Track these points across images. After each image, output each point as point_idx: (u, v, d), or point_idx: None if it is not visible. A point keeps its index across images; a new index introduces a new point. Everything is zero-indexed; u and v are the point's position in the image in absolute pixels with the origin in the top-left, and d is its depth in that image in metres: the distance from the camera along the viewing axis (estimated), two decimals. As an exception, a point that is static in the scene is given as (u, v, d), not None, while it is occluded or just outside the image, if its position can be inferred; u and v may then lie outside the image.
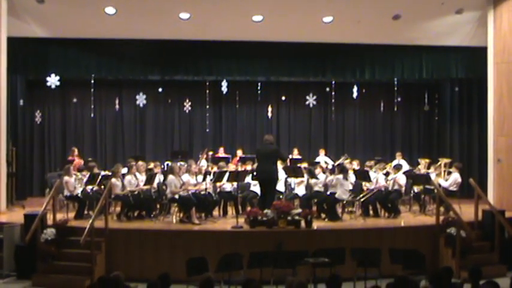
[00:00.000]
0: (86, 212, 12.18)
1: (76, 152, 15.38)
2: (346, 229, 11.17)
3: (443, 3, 13.62)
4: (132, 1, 13.26)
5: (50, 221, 10.83)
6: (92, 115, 17.00)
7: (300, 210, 11.10)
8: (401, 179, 12.66)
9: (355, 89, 16.62)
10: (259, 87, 17.41)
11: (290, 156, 15.42)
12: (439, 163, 14.65)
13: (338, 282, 6.29)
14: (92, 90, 16.26)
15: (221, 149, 16.38)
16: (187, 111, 17.81)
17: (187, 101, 17.74)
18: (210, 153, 15.70)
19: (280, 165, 13.18)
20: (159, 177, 12.82)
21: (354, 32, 14.39)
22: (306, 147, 18.04)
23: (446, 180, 13.34)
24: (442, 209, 11.68)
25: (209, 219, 11.98)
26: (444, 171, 14.51)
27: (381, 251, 9.13)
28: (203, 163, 14.57)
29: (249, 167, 13.52)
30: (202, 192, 12.09)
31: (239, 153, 16.02)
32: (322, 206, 12.20)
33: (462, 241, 10.40)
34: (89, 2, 13.15)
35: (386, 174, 13.08)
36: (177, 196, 11.61)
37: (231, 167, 13.70)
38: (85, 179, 12.44)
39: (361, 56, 15.30)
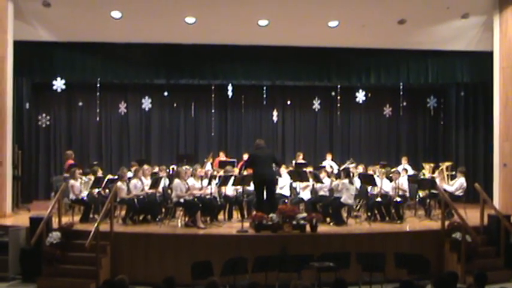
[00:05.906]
0: (91, 215, 12.18)
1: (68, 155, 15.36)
2: (351, 233, 11.15)
3: (448, 8, 13.61)
4: (138, 5, 13.29)
5: (55, 225, 10.84)
6: (98, 119, 17.11)
7: (305, 214, 11.07)
8: (404, 184, 12.63)
9: (360, 93, 16.61)
10: (264, 91, 17.48)
11: (294, 161, 15.42)
12: (440, 167, 14.63)
13: (343, 286, 6.29)
14: (98, 93, 16.36)
15: (221, 153, 16.35)
16: (192, 115, 17.86)
17: (192, 105, 17.80)
18: (217, 159, 15.61)
19: (285, 170, 13.22)
20: (164, 181, 12.84)
21: (359, 36, 14.40)
22: (312, 151, 18.07)
23: (452, 185, 13.31)
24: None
25: (214, 223, 11.98)
26: (447, 174, 14.47)
27: (386, 256, 9.10)
28: (208, 167, 14.57)
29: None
30: (208, 196, 12.11)
31: None
32: (327, 211, 12.18)
33: (467, 246, 10.35)
34: (95, 6, 13.20)
35: (390, 179, 13.04)
36: (182, 200, 11.62)
37: (236, 171, 13.69)
38: (91, 183, 12.46)
39: (366, 61, 15.29)
